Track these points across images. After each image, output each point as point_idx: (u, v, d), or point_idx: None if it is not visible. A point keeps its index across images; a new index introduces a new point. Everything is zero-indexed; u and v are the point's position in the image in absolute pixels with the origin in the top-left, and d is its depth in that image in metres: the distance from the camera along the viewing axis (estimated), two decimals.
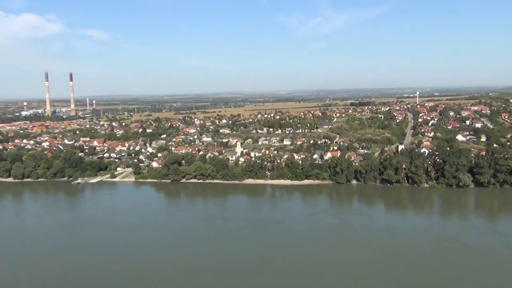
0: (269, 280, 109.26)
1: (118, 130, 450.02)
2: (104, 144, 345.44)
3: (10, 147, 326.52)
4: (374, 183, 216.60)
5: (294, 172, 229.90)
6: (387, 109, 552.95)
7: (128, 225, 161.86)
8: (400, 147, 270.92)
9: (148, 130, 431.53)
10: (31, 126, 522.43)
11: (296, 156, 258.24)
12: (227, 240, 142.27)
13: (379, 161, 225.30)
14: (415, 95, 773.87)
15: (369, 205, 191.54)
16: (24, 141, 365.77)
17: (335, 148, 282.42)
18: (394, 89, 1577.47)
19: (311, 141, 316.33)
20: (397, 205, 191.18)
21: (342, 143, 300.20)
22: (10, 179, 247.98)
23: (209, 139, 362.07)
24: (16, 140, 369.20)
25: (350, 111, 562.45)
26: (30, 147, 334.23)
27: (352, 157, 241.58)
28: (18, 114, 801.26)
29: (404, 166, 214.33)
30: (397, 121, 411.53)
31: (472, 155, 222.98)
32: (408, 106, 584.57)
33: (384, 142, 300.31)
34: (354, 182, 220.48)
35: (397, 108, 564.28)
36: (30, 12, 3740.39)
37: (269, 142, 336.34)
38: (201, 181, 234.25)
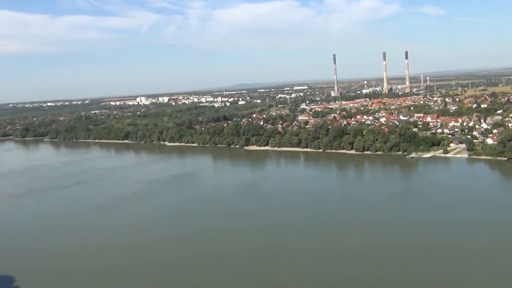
0: None
1: (451, 105, 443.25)
2: (437, 119, 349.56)
3: (352, 123, 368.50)
4: None
5: None
6: None
7: (449, 203, 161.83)
8: None
9: (482, 106, 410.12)
10: (370, 103, 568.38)
11: None
12: None
13: None
14: None
15: None
16: (364, 117, 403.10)
17: None
18: None
19: None
20: None
21: None
22: (352, 151, 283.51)
23: None
24: (358, 116, 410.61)
25: None
26: (369, 122, 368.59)
27: None
28: (359, 92, 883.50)
29: None
30: None
31: None
32: None
33: None
34: None
35: None
36: None
37: None
38: None
